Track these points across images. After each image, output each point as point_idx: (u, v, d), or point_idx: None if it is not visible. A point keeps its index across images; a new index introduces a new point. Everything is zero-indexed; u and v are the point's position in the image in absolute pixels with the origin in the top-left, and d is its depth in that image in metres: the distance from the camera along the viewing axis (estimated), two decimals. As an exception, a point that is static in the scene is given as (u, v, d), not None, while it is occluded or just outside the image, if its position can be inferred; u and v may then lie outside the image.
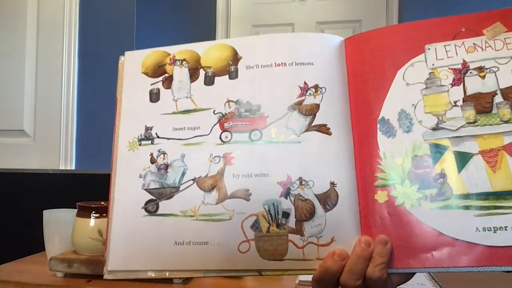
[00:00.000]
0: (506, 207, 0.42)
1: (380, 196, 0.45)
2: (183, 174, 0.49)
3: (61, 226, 0.89)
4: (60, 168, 1.60)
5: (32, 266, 0.83)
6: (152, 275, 0.47)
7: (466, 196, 0.43)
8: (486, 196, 0.43)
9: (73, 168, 1.62)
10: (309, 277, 0.64)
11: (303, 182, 0.46)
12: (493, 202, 0.42)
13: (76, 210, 0.85)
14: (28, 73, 1.67)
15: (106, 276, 0.48)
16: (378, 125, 0.47)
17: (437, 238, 0.43)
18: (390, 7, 2.14)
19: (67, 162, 1.62)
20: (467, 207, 0.43)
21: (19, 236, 1.25)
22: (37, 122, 1.66)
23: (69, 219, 0.86)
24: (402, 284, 0.45)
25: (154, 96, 0.52)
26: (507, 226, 0.42)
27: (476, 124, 0.45)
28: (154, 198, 0.49)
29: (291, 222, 0.46)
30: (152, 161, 0.50)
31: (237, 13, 2.38)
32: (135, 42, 1.59)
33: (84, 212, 0.83)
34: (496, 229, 0.42)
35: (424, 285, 0.64)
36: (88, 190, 1.28)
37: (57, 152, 1.61)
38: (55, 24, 1.65)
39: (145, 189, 0.49)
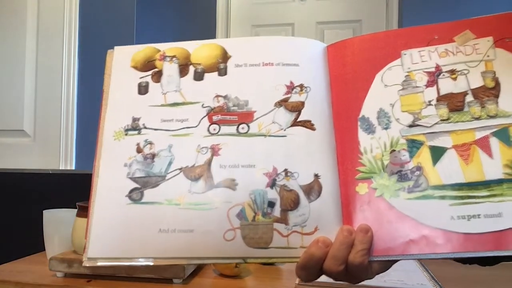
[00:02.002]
0: (478, 197, 0.45)
1: (361, 188, 0.47)
2: (170, 163, 0.49)
3: (61, 226, 0.88)
4: (60, 168, 1.58)
5: (32, 266, 0.83)
6: (135, 262, 0.46)
7: (442, 187, 0.46)
8: (460, 186, 0.45)
9: (73, 168, 1.60)
10: None
11: (289, 174, 0.48)
12: (466, 192, 0.45)
13: (76, 210, 0.85)
14: (28, 73, 1.65)
15: (85, 263, 0.47)
16: (359, 123, 0.50)
17: (415, 227, 0.45)
18: (390, 7, 2.19)
19: (67, 162, 1.59)
20: (442, 197, 0.45)
21: (19, 236, 1.20)
22: (37, 122, 1.64)
23: (69, 219, 0.86)
24: (382, 271, 0.47)
25: (143, 89, 0.53)
26: (479, 214, 0.44)
27: (449, 121, 0.48)
28: (139, 186, 0.49)
29: (276, 211, 0.47)
30: (139, 150, 0.50)
31: (237, 13, 2.40)
32: (135, 42, 1.60)
33: (84, 212, 0.82)
34: (469, 217, 0.44)
35: (424, 285, 0.65)
36: (88, 190, 1.26)
37: (57, 152, 1.59)
38: (55, 24, 1.65)
39: (130, 178, 0.49)
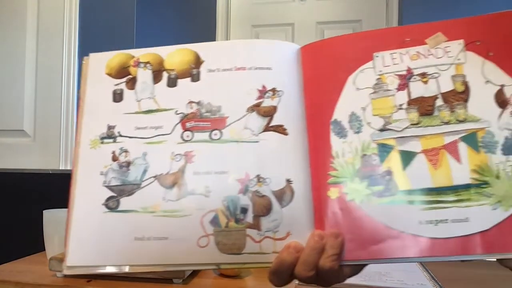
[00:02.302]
0: (446, 202, 0.45)
1: (333, 193, 0.48)
2: (145, 171, 0.50)
3: (61, 226, 0.88)
4: (60, 168, 1.59)
5: (32, 266, 0.83)
6: (112, 270, 0.48)
7: (410, 192, 0.46)
8: (428, 191, 0.46)
9: (73, 168, 1.61)
10: None
11: (261, 179, 0.49)
12: (434, 197, 0.46)
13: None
14: (28, 73, 1.65)
15: (65, 272, 0.48)
16: (331, 127, 0.50)
17: (385, 231, 0.46)
18: (390, 7, 2.19)
19: (67, 162, 1.60)
20: (411, 202, 0.46)
21: (19, 236, 1.22)
22: (37, 122, 1.64)
23: (69, 219, 0.86)
24: (353, 275, 0.48)
25: (117, 96, 0.54)
26: (447, 219, 0.45)
27: (419, 125, 0.48)
28: (115, 194, 0.50)
29: (249, 217, 0.48)
30: (114, 159, 0.51)
31: (237, 13, 2.39)
32: (135, 42, 1.59)
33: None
34: (437, 222, 0.45)
35: (424, 285, 0.65)
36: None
37: (57, 152, 1.60)
38: (55, 24, 1.64)
39: (106, 186, 0.50)
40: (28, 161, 1.61)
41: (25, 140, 1.63)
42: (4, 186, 1.36)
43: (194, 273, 0.77)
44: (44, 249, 0.89)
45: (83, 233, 0.49)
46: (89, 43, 1.63)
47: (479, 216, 0.44)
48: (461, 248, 0.44)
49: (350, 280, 0.63)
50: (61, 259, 0.72)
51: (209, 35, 2.18)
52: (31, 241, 0.97)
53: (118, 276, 0.72)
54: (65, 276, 0.74)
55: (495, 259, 0.45)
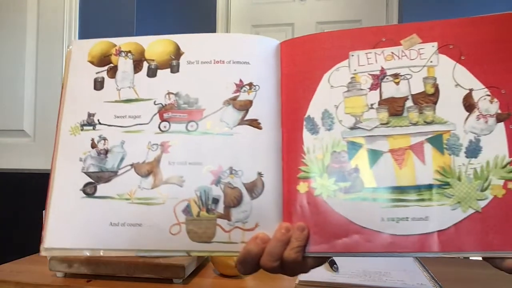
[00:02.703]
0: (408, 200, 0.47)
1: (302, 187, 0.50)
2: (122, 159, 0.52)
3: None
4: None
5: (32, 266, 0.83)
6: (87, 253, 0.50)
7: (375, 189, 0.48)
8: (392, 190, 0.48)
9: (73, 168, 1.64)
10: (309, 277, 0.67)
11: (233, 172, 0.50)
12: (397, 196, 0.48)
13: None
14: (28, 73, 1.65)
15: (42, 253, 0.50)
16: (304, 123, 0.52)
17: (348, 226, 0.48)
18: (390, 7, 2.18)
19: None
20: (375, 199, 0.48)
21: (19, 236, 1.23)
22: (37, 122, 1.65)
23: (69, 219, 0.86)
24: (317, 266, 0.50)
25: (99, 84, 0.55)
26: (408, 217, 0.47)
27: (388, 125, 0.50)
28: (93, 181, 0.52)
29: (220, 208, 0.50)
30: (93, 146, 0.53)
31: (237, 13, 2.40)
32: None
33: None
34: (398, 219, 0.47)
35: (424, 285, 0.65)
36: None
37: None
38: (55, 24, 1.64)
39: (85, 172, 0.52)
40: (28, 161, 1.62)
41: (25, 140, 1.64)
42: (4, 186, 1.37)
43: (194, 273, 0.76)
44: None
45: (61, 216, 0.51)
46: (89, 43, 1.64)
47: (439, 215, 0.46)
48: (419, 245, 0.46)
49: (350, 280, 0.65)
50: (61, 259, 0.73)
51: (209, 36, 2.18)
52: (31, 241, 0.97)
53: (118, 276, 0.72)
54: (66, 275, 0.74)
55: (481, 258, 0.46)
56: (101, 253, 0.50)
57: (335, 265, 0.73)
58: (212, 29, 2.24)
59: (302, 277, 0.69)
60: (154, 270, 0.71)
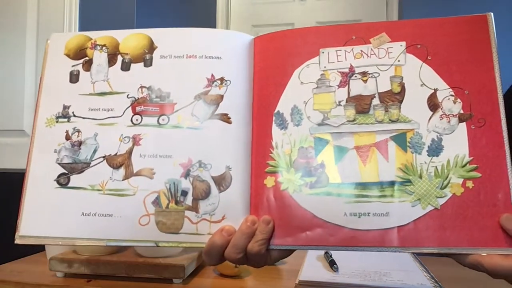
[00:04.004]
0: (370, 196, 0.48)
1: (269, 181, 0.51)
2: (95, 151, 0.53)
3: None
4: None
5: (32, 266, 0.82)
6: (59, 242, 0.51)
7: (340, 185, 0.49)
8: (355, 186, 0.49)
9: (73, 167, 1.65)
10: (309, 277, 0.68)
11: (202, 165, 0.52)
12: (360, 191, 0.49)
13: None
14: (28, 73, 1.65)
15: (17, 241, 0.52)
16: (274, 118, 0.53)
17: (312, 220, 0.49)
18: (390, 7, 2.20)
19: None
20: (339, 195, 0.49)
21: None
22: None
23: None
24: (282, 258, 0.51)
25: (74, 77, 0.56)
26: (369, 213, 0.48)
27: (355, 122, 0.51)
28: (66, 172, 0.53)
29: (189, 200, 0.51)
30: (67, 137, 0.54)
31: (237, 13, 2.40)
32: None
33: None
34: (360, 214, 0.48)
35: (424, 285, 0.66)
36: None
37: None
38: (55, 24, 1.64)
39: (59, 163, 0.53)
40: (28, 161, 1.63)
41: (25, 140, 1.64)
42: (4, 186, 1.37)
43: (194, 273, 0.77)
44: (44, 249, 0.88)
45: (35, 206, 0.52)
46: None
47: (399, 211, 0.47)
48: (379, 240, 0.47)
49: (350, 280, 0.66)
50: (61, 259, 0.73)
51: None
52: (31, 243, 0.97)
53: (118, 276, 0.72)
54: (66, 275, 0.74)
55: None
56: (73, 242, 0.51)
57: (335, 265, 0.73)
58: None
59: (302, 277, 0.70)
60: (154, 270, 0.71)
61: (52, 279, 0.73)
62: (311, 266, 0.77)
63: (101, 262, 0.72)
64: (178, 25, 2.02)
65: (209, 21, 2.25)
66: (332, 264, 0.74)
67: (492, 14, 0.50)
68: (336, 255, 0.78)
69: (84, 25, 1.64)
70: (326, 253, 0.80)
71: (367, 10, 2.25)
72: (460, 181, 0.47)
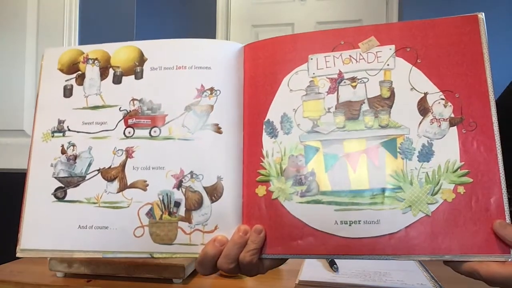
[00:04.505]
0: (361, 204, 0.48)
1: (260, 190, 0.51)
2: (90, 164, 0.54)
3: None
4: None
5: (32, 266, 0.82)
6: (58, 255, 0.53)
7: (330, 193, 0.49)
8: (346, 193, 0.49)
9: (73, 167, 1.68)
10: (309, 277, 0.68)
11: (194, 176, 0.52)
12: (351, 199, 0.48)
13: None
14: (28, 73, 1.67)
15: (18, 254, 0.54)
16: (264, 126, 0.53)
17: (303, 229, 0.49)
18: (390, 7, 2.17)
19: None
20: (329, 203, 0.49)
21: None
22: None
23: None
24: (274, 267, 0.51)
25: (68, 92, 0.57)
26: (360, 221, 0.48)
27: (344, 129, 0.50)
28: (63, 185, 0.54)
29: (181, 211, 0.52)
30: (63, 152, 0.55)
31: (237, 13, 2.40)
32: None
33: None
34: (351, 222, 0.48)
35: (424, 285, 0.66)
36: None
37: None
38: (55, 24, 1.66)
39: (55, 177, 0.54)
40: (28, 161, 1.66)
41: (25, 140, 1.64)
42: (4, 186, 1.39)
43: (194, 273, 0.77)
44: None
45: (34, 219, 0.54)
46: (89, 43, 1.65)
47: (390, 219, 0.47)
48: (370, 248, 0.47)
49: (349, 280, 0.66)
50: (61, 259, 0.73)
51: (209, 35, 2.17)
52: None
53: (118, 276, 0.73)
54: (66, 275, 0.75)
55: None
56: (71, 254, 0.52)
57: (335, 265, 0.73)
58: (212, 29, 2.24)
59: (302, 277, 0.70)
60: (154, 270, 0.71)
61: (52, 279, 0.73)
62: (311, 266, 0.77)
63: (101, 262, 0.73)
64: (177, 25, 2.03)
65: (209, 21, 2.25)
66: (332, 264, 0.74)
67: (483, 14, 0.49)
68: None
69: (84, 25, 1.65)
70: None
71: (367, 10, 2.23)
72: (452, 186, 0.46)
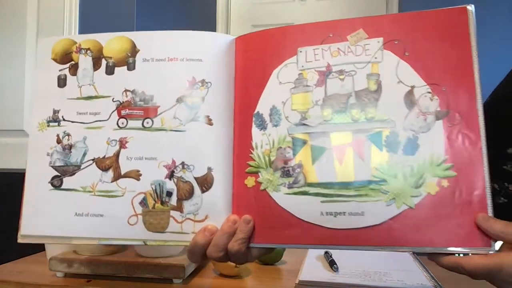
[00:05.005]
0: (346, 196, 0.49)
1: (249, 181, 0.53)
2: (84, 154, 0.56)
3: None
4: None
5: (32, 266, 0.82)
6: (57, 241, 0.55)
7: (316, 185, 0.50)
8: (332, 185, 0.50)
9: (73, 167, 1.69)
10: (309, 277, 0.69)
11: (185, 166, 0.53)
12: (336, 191, 0.49)
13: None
14: (28, 73, 1.68)
15: (19, 240, 0.56)
16: (253, 119, 0.53)
17: (290, 220, 0.50)
18: (390, 7, 2.17)
19: None
20: (316, 194, 0.50)
21: None
22: None
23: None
24: (262, 255, 0.53)
25: (62, 82, 0.58)
26: (345, 212, 0.49)
27: (331, 122, 0.51)
28: (59, 174, 0.56)
29: (173, 200, 0.53)
30: (58, 141, 0.57)
31: (237, 13, 2.38)
32: None
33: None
34: (336, 214, 0.49)
35: (424, 285, 0.66)
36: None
37: None
38: (55, 24, 1.65)
39: (52, 166, 0.56)
40: (28, 161, 1.67)
41: (25, 140, 1.64)
42: (4, 186, 1.39)
43: (194, 273, 0.77)
44: (44, 249, 0.88)
45: (33, 207, 0.56)
46: (89, 43, 1.66)
47: (374, 211, 0.48)
48: (355, 239, 0.48)
49: (350, 280, 0.67)
50: (61, 259, 0.74)
51: (209, 35, 2.17)
52: (30, 244, 0.97)
53: (118, 276, 0.73)
54: (66, 275, 0.75)
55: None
56: (69, 241, 0.54)
57: (335, 265, 0.74)
58: (212, 29, 2.22)
59: (302, 277, 0.70)
60: (154, 270, 0.71)
61: (52, 279, 0.74)
62: (311, 266, 0.77)
63: (101, 262, 0.73)
64: (177, 25, 2.02)
65: (209, 21, 2.23)
66: (332, 264, 0.74)
67: (472, 6, 0.49)
68: (336, 255, 0.79)
69: (84, 25, 1.65)
70: (326, 253, 0.81)
71: (367, 10, 2.21)
72: (435, 180, 0.47)
